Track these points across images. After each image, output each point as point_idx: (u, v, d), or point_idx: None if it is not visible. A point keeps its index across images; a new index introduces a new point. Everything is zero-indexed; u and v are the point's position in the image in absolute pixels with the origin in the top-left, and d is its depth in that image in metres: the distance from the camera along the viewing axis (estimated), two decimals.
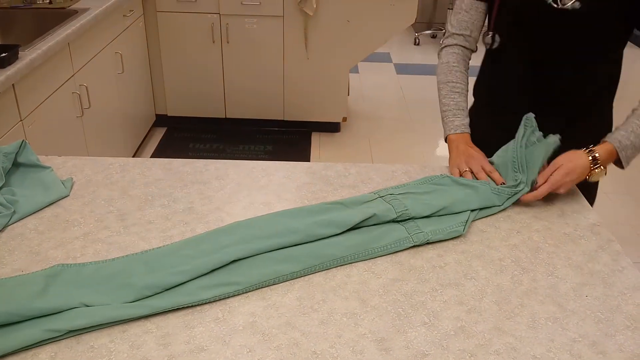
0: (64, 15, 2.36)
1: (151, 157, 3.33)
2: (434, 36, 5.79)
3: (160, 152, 3.41)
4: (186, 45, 3.36)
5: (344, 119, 3.67)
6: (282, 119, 3.62)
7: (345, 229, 1.05)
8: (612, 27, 1.19)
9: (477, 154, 1.25)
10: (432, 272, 0.99)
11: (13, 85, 1.81)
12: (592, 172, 1.15)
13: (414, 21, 3.34)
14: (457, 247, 1.05)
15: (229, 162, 1.31)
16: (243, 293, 0.93)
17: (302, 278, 0.97)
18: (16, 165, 1.20)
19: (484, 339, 0.85)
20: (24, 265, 0.97)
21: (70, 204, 1.14)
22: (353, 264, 1.00)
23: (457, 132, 1.31)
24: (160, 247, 1.02)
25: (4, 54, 1.76)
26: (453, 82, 1.36)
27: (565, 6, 1.16)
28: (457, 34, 1.38)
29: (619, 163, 1.19)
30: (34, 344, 0.82)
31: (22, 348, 0.81)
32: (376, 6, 3.23)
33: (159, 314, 0.88)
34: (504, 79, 1.36)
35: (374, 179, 1.26)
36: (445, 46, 1.40)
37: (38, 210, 1.12)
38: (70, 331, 0.84)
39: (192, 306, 0.90)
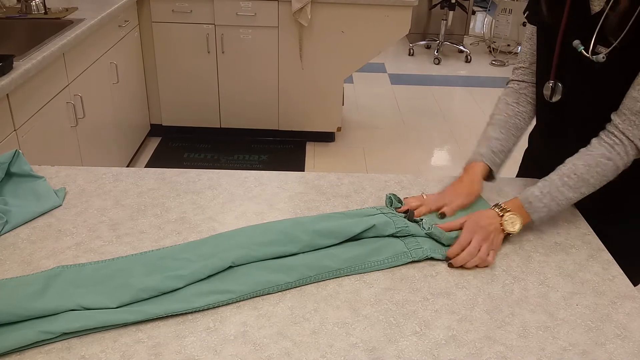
0: (59, 26, 2.37)
1: (145, 166, 3.32)
2: (428, 47, 5.83)
3: (155, 162, 3.41)
4: (181, 55, 3.38)
5: (339, 129, 3.68)
6: (277, 128, 3.63)
7: (344, 239, 1.06)
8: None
9: (458, 197, 1.18)
10: (424, 281, 0.99)
11: (7, 95, 1.81)
12: (503, 221, 1.07)
13: (408, 32, 3.36)
14: None
15: (222, 172, 1.31)
16: (236, 302, 0.93)
17: (293, 288, 0.97)
18: (9, 175, 1.20)
19: (474, 348, 0.86)
20: (16, 275, 0.97)
21: (63, 213, 1.14)
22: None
23: (472, 160, 1.24)
24: (160, 249, 1.03)
25: None
26: (493, 114, 1.30)
27: (592, 57, 1.08)
28: (516, 68, 1.31)
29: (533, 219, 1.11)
30: (28, 345, 0.83)
31: (17, 349, 0.82)
32: (370, 17, 3.25)
33: (151, 323, 0.88)
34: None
35: (367, 189, 1.27)
36: (508, 82, 1.33)
37: (31, 220, 1.12)
38: (65, 333, 0.84)
39: (184, 314, 0.90)
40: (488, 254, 1.04)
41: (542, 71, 1.22)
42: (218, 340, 0.85)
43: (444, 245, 1.08)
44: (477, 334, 0.88)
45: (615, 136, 1.08)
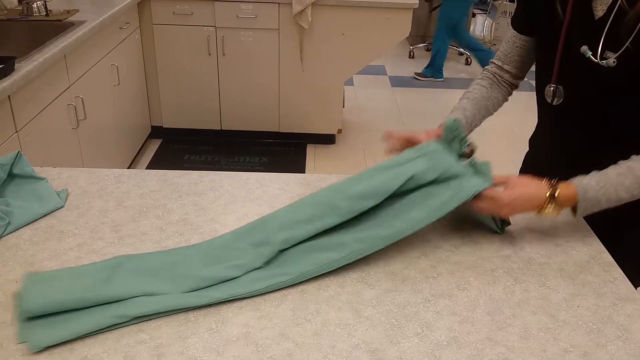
0: (60, 28, 2.37)
1: (146, 168, 3.33)
2: (428, 49, 5.84)
3: (156, 164, 3.42)
4: (182, 57, 3.38)
5: (339, 131, 3.69)
6: (278, 130, 3.63)
7: (384, 198, 1.05)
8: None
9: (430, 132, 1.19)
10: (425, 282, 1.00)
11: (9, 96, 1.81)
12: (543, 210, 1.06)
13: (408, 34, 3.37)
14: (450, 258, 1.06)
15: (224, 174, 1.32)
16: (294, 284, 0.97)
17: (295, 289, 0.97)
18: (11, 176, 1.21)
19: (476, 350, 0.86)
20: (18, 276, 0.97)
21: (65, 215, 1.15)
22: (346, 275, 1.00)
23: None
24: (211, 239, 1.07)
25: (0, 66, 1.77)
26: (467, 92, 1.33)
27: (601, 62, 1.08)
28: (492, 62, 1.35)
29: (574, 210, 1.08)
30: (103, 328, 0.86)
31: (92, 332, 0.86)
32: (371, 19, 3.26)
33: (153, 324, 0.88)
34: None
35: None
36: (482, 71, 1.37)
37: (33, 222, 1.12)
38: (136, 317, 0.88)
39: (185, 314, 0.90)
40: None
41: (543, 75, 1.23)
42: (220, 341, 0.86)
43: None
44: (479, 336, 0.89)
45: None
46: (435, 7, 5.58)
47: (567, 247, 1.11)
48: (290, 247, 1.02)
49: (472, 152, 1.15)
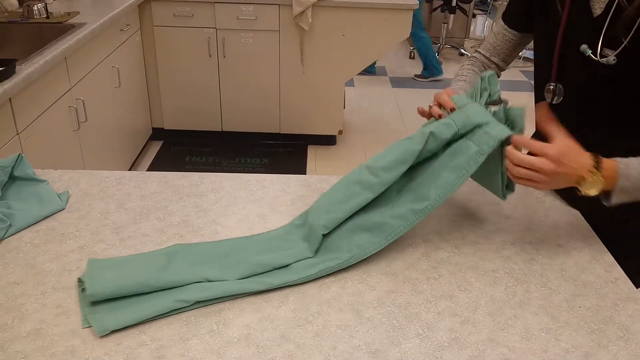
0: (61, 30, 2.38)
1: (147, 170, 3.33)
2: None
3: (157, 166, 3.42)
4: (183, 59, 3.39)
5: (340, 132, 3.69)
6: (279, 132, 3.64)
7: (411, 162, 1.04)
8: None
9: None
10: (427, 283, 1.00)
11: (10, 99, 1.82)
12: (586, 179, 0.95)
13: (408, 35, 3.37)
14: (451, 259, 1.06)
15: (225, 175, 1.32)
16: (344, 268, 1.00)
17: (296, 290, 0.97)
18: (12, 178, 1.21)
19: (477, 350, 0.86)
20: (20, 279, 0.97)
21: (66, 217, 1.15)
22: (347, 276, 1.00)
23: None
24: (267, 231, 1.10)
25: (1, 68, 1.77)
26: (460, 74, 1.32)
27: (601, 60, 1.08)
28: (478, 51, 1.36)
29: (607, 195, 0.99)
30: (166, 313, 0.90)
31: (155, 317, 0.89)
32: (371, 20, 3.26)
33: (154, 325, 0.88)
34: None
35: None
36: (469, 57, 1.38)
37: (34, 224, 1.12)
38: (198, 302, 0.92)
39: (187, 315, 0.90)
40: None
41: (542, 73, 1.23)
42: (221, 342, 0.86)
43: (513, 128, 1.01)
44: (480, 336, 0.89)
45: None
46: (435, 8, 5.58)
47: (568, 248, 1.11)
48: (334, 229, 1.04)
49: (501, 101, 1.07)
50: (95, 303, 0.90)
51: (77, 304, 0.92)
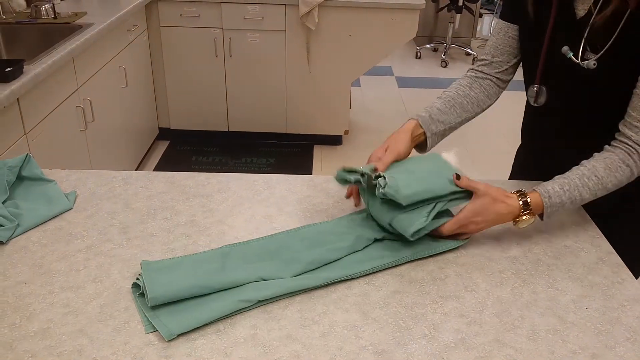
0: (68, 30, 2.39)
1: (154, 170, 3.34)
2: (435, 50, 5.83)
3: (163, 166, 3.43)
4: (189, 59, 3.39)
5: (346, 132, 3.69)
6: (285, 132, 3.64)
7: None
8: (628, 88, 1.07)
9: (393, 146, 1.17)
10: (433, 284, 1.00)
11: (18, 99, 1.83)
12: (520, 218, 1.06)
13: (415, 35, 3.37)
14: (458, 260, 1.06)
15: (231, 175, 1.32)
16: (394, 267, 1.03)
17: (302, 291, 0.97)
18: (20, 178, 1.21)
19: (484, 351, 0.86)
20: (27, 278, 0.98)
21: (74, 217, 1.15)
22: (353, 277, 1.01)
23: (411, 118, 1.23)
24: (315, 224, 1.13)
25: (9, 69, 1.78)
26: (444, 92, 1.30)
27: (582, 64, 1.08)
28: (478, 60, 1.32)
29: (540, 216, 1.09)
30: (230, 313, 0.90)
31: (219, 318, 0.89)
32: (378, 20, 3.26)
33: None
34: (540, 123, 1.28)
35: None
36: (468, 70, 1.34)
37: (42, 223, 1.13)
38: (260, 301, 0.92)
39: (252, 309, 0.90)
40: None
41: (528, 74, 1.23)
42: (228, 342, 0.86)
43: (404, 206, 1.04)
44: (487, 337, 0.88)
45: (630, 145, 1.06)
46: (442, 8, 5.57)
47: (575, 249, 1.10)
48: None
49: (378, 174, 1.10)
50: (155, 307, 0.90)
51: (84, 303, 0.92)
